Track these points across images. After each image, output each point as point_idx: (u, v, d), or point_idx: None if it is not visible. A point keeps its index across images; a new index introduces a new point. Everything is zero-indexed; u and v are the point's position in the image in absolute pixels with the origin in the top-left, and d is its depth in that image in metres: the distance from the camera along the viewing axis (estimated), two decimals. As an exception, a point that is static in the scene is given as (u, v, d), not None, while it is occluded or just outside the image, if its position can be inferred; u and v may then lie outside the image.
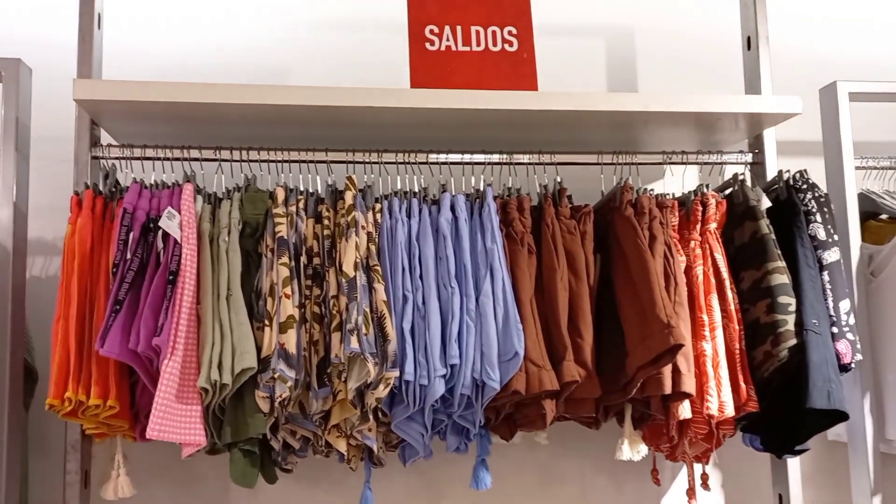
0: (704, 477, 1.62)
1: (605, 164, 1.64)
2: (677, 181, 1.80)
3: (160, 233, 1.33)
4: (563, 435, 1.80)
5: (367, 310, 1.32)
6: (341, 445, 1.39)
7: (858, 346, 1.51)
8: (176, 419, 1.22)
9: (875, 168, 1.76)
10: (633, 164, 1.65)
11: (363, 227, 1.39)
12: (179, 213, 1.33)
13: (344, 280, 1.32)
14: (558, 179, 1.58)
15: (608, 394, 1.47)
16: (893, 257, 1.67)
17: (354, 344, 1.26)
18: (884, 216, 1.77)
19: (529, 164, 1.62)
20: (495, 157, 1.61)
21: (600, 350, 1.49)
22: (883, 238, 1.72)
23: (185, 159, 1.51)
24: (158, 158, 1.50)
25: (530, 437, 1.65)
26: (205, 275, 1.32)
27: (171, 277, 1.28)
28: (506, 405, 1.44)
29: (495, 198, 1.51)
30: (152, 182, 1.43)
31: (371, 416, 1.37)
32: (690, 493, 1.61)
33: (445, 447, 1.49)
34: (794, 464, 1.64)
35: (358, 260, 1.34)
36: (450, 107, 1.44)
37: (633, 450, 1.51)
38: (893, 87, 1.75)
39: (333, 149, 1.55)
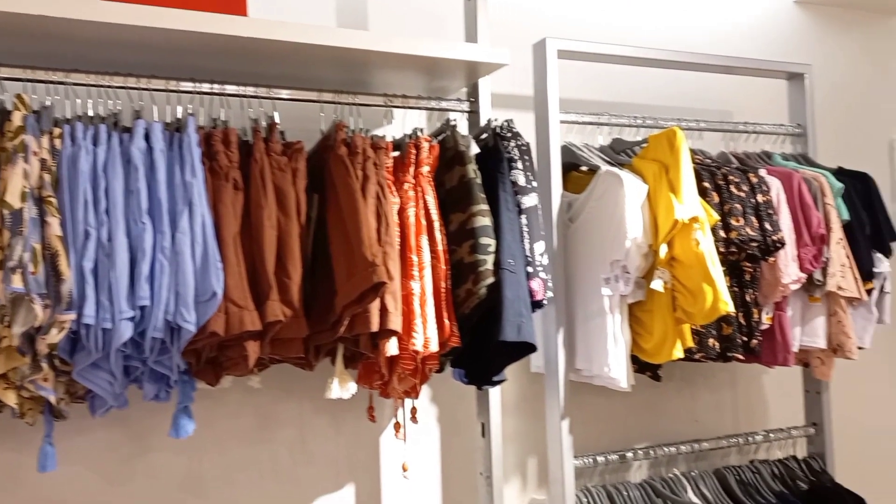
0: (413, 411, 1.69)
1: (324, 101, 1.61)
2: (403, 127, 1.81)
3: None
4: (281, 378, 1.77)
5: (38, 246, 1.17)
6: (11, 398, 1.24)
7: (550, 284, 1.64)
8: None
9: (577, 123, 1.91)
10: (353, 104, 1.63)
11: (35, 153, 1.22)
12: None
13: (7, 212, 1.16)
14: (275, 115, 1.52)
15: (318, 333, 1.47)
16: (587, 205, 1.83)
17: (17, 283, 1.12)
18: (584, 168, 1.93)
19: (242, 96, 1.53)
20: (205, 87, 1.51)
21: (316, 290, 1.48)
22: (582, 188, 1.87)
23: None
24: None
25: (244, 382, 1.61)
26: None
27: None
28: (206, 348, 1.38)
29: (199, 129, 1.41)
30: None
31: (46, 365, 1.23)
32: (397, 426, 1.67)
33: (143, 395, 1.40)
34: (495, 394, 1.77)
35: (27, 190, 1.18)
36: (142, 24, 1.30)
37: (342, 388, 1.52)
38: (597, 48, 1.90)
39: (7, 63, 1.34)
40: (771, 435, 2.08)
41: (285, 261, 1.41)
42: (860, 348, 1.98)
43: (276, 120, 1.52)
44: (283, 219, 1.42)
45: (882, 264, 1.98)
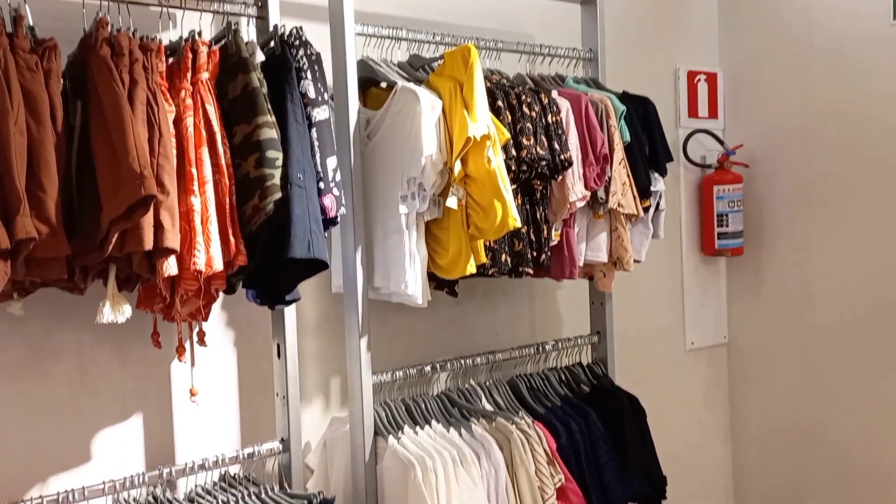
0: (201, 334, 1.62)
1: (86, -2, 1.44)
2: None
3: None
4: (53, 306, 1.63)
5: None
6: None
7: (343, 201, 1.61)
8: None
9: (375, 36, 1.86)
10: (121, 1, 1.47)
11: None
12: None
13: None
14: (24, 8, 1.33)
15: (85, 253, 1.35)
16: (384, 122, 1.80)
17: None
18: (382, 84, 1.89)
19: (-20, -17, 1.33)
20: (-70, -31, 1.29)
21: (83, 206, 1.35)
22: (381, 104, 1.84)
23: None
24: None
25: (5, 310, 1.45)
26: None
27: None
28: (-56, 270, 1.22)
29: (-77, 18, 1.21)
30: None
31: None
32: (180, 350, 1.59)
33: None
34: (290, 314, 1.74)
35: None
36: None
37: (115, 311, 1.41)
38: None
39: None
40: (560, 344, 2.22)
41: (39, 173, 1.27)
42: (637, 261, 2.14)
43: (25, 14, 1.33)
44: (34, 125, 1.27)
45: (658, 183, 2.13)
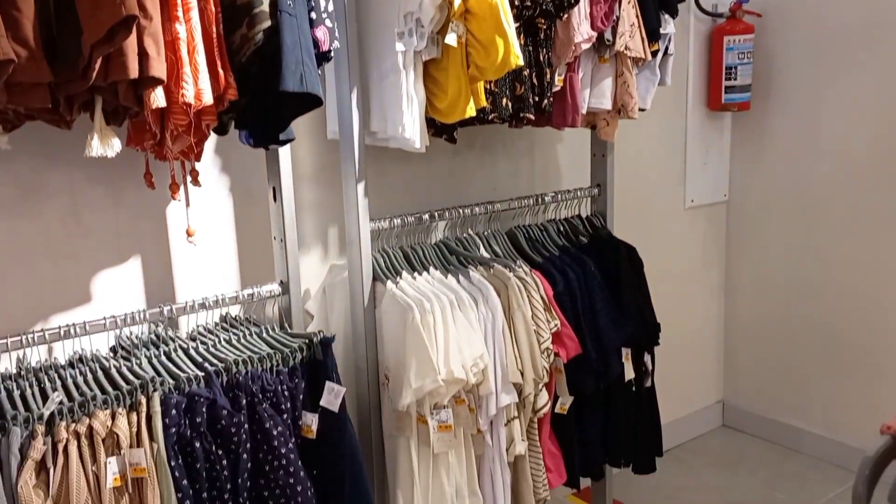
0: (194, 173, 1.59)
1: None
2: None
3: None
4: (42, 144, 1.59)
5: None
6: None
7: (336, 34, 1.53)
8: None
9: None
10: None
11: None
12: None
13: None
14: None
15: (68, 82, 1.29)
16: (381, -47, 1.69)
17: None
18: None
19: None
20: None
21: (64, 33, 1.27)
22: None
23: None
24: None
25: (-11, 144, 1.42)
26: None
27: None
28: (-80, 94, 1.17)
29: None
30: None
31: None
32: (173, 187, 1.57)
33: None
34: (285, 157, 1.70)
35: None
36: None
37: (104, 144, 1.37)
38: None
39: None
40: (559, 196, 2.20)
41: (11, -10, 1.18)
42: (642, 109, 2.08)
43: None
44: (1, -62, 1.18)
45: (668, 25, 2.03)
